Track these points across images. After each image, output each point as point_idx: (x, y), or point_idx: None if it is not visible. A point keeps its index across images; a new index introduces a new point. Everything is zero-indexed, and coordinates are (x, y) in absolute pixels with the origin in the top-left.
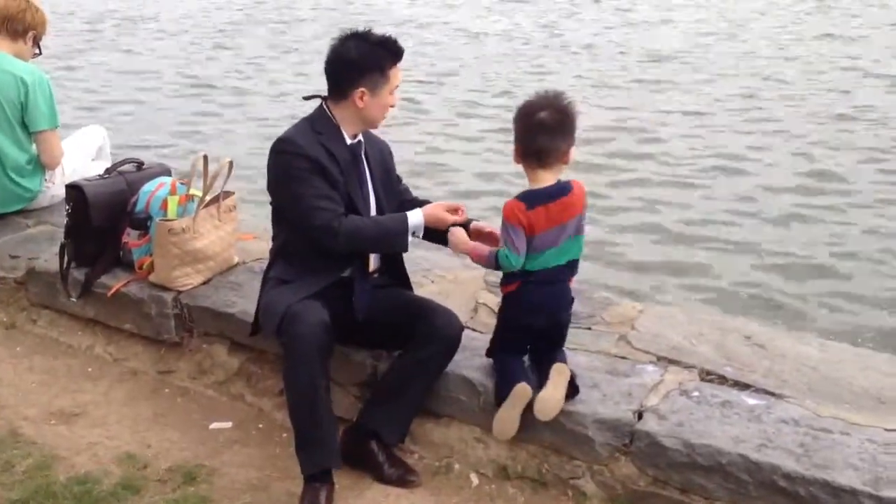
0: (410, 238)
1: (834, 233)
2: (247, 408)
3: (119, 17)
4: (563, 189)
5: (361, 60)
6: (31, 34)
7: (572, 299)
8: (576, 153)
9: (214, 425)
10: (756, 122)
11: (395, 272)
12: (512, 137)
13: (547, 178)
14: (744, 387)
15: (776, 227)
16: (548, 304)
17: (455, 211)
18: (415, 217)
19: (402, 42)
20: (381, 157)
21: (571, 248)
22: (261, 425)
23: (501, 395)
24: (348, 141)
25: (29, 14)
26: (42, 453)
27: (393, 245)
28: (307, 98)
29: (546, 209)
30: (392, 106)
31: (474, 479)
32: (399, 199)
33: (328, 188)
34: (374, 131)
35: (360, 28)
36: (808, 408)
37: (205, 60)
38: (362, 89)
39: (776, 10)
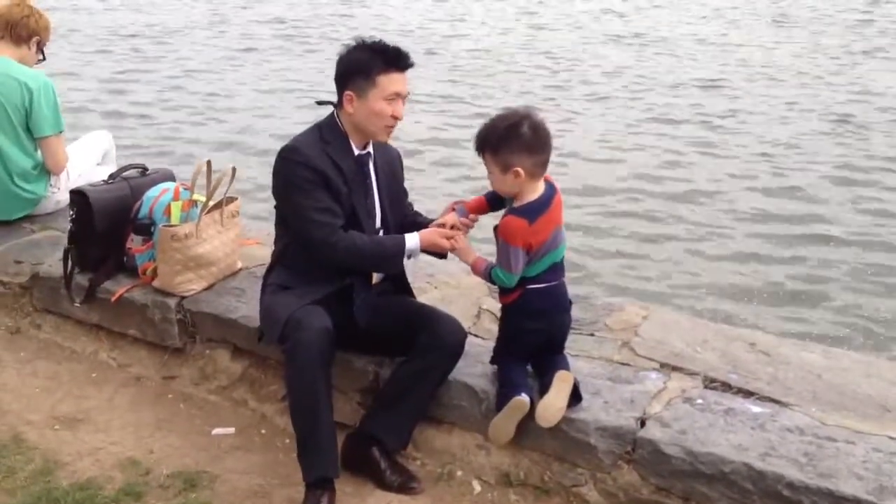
0: (405, 260)
1: None
2: (249, 413)
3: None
4: (553, 190)
5: (350, 64)
6: (34, 40)
7: (571, 302)
8: None
9: (217, 431)
10: None
11: (397, 280)
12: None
13: (540, 186)
14: (748, 394)
15: None
16: (549, 308)
17: (451, 238)
18: (412, 241)
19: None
20: (391, 168)
21: (564, 242)
22: (263, 431)
23: (501, 403)
24: (356, 151)
25: (32, 20)
26: (45, 458)
27: (388, 266)
28: (320, 103)
29: (548, 215)
30: (395, 117)
31: (476, 486)
32: (403, 212)
33: (330, 200)
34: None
35: (373, 38)
36: (813, 416)
37: None
38: (349, 92)
39: None
